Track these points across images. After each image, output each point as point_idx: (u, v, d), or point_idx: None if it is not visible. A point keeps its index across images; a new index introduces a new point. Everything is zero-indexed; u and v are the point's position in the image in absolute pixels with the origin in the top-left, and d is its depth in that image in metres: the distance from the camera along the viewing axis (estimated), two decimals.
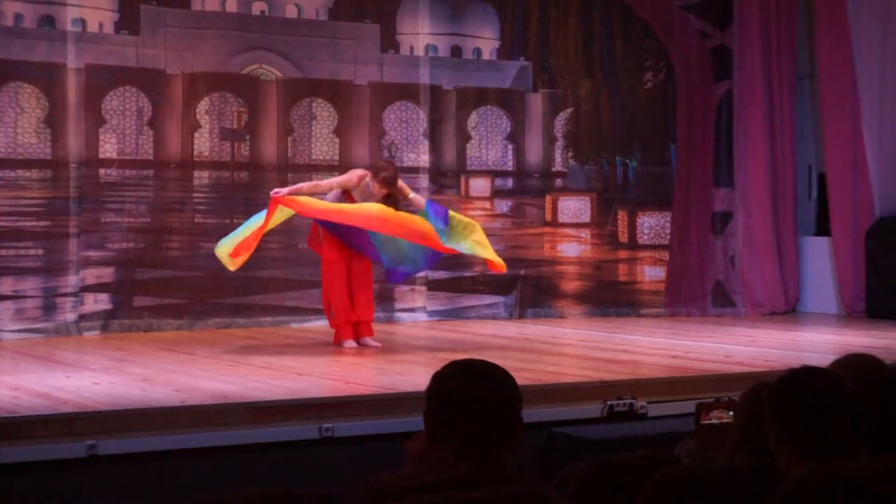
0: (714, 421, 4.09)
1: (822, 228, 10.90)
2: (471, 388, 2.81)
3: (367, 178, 7.75)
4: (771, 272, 10.73)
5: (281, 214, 7.75)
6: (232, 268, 7.67)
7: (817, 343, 8.82)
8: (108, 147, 9.10)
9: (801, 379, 2.97)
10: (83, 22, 8.99)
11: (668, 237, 10.78)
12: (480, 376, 2.85)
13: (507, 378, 2.89)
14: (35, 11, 8.89)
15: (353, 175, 7.86)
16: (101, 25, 9.09)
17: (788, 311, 10.77)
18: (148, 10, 9.19)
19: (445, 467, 2.76)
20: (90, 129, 9.00)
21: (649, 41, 10.77)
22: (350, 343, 7.81)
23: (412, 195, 7.93)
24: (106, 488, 5.08)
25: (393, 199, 7.65)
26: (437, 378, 2.87)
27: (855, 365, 3.61)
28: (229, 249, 7.61)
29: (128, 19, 9.15)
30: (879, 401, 3.11)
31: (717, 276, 10.76)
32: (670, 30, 10.67)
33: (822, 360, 4.24)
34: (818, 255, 10.83)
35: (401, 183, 7.82)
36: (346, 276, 7.83)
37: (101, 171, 9.08)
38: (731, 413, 3.90)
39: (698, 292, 10.66)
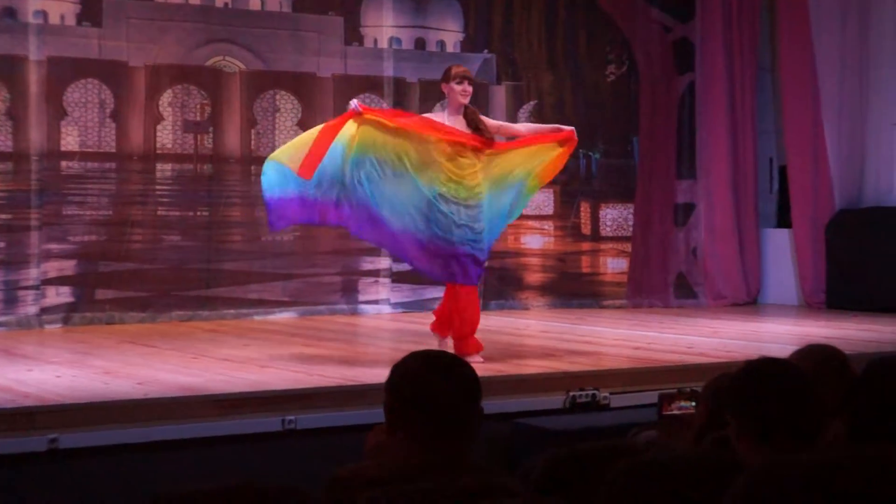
0: (676, 412, 4.21)
1: (783, 220, 10.99)
2: (430, 380, 2.82)
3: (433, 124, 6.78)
4: (732, 264, 10.80)
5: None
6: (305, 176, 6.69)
7: (778, 334, 8.89)
8: (70, 139, 9.04)
9: (760, 370, 2.98)
10: (44, 14, 8.92)
11: (631, 229, 10.84)
12: (440, 367, 2.86)
13: (467, 369, 2.89)
14: None
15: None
16: (62, 17, 9.02)
17: (749, 302, 10.84)
18: (110, 1, 9.10)
19: (406, 459, 2.77)
20: (52, 122, 8.92)
21: (612, 34, 10.81)
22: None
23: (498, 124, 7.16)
24: (67, 482, 5.04)
25: (474, 115, 6.85)
26: (397, 369, 2.88)
27: (815, 355, 3.66)
28: (295, 161, 6.63)
29: (90, 11, 9.07)
30: (839, 391, 3.15)
31: (679, 268, 10.83)
32: (633, 23, 10.72)
33: (783, 350, 4.28)
34: (779, 246, 10.91)
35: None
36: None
37: (63, 163, 9.00)
38: (694, 403, 3.94)
39: (661, 284, 10.72)
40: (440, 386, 2.81)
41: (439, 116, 6.96)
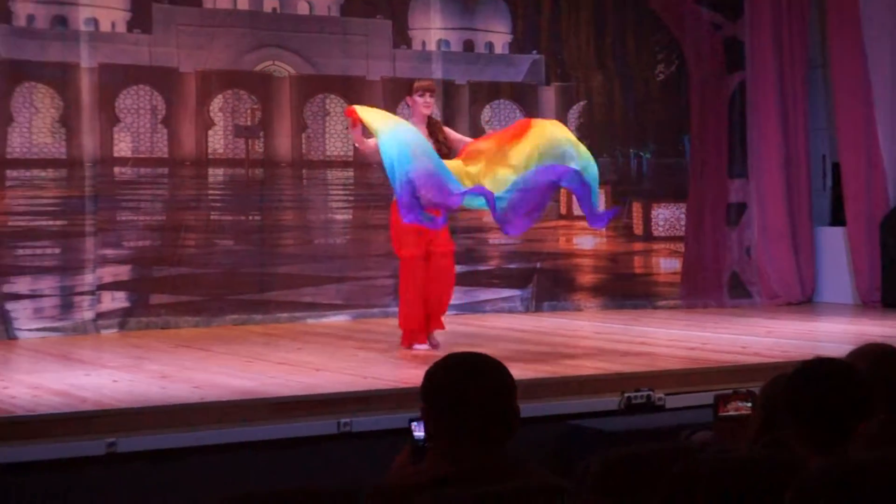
0: (732, 413, 4.10)
1: (837, 218, 10.86)
2: (465, 383, 2.77)
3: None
4: (786, 263, 10.70)
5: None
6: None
7: (834, 333, 8.81)
8: (123, 146, 9.11)
9: (816, 370, 2.96)
10: (95, 21, 9.00)
11: (683, 229, 10.76)
12: (473, 370, 2.82)
13: (501, 369, 2.85)
14: (48, 12, 8.88)
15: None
16: (113, 25, 9.09)
17: (804, 301, 10.72)
18: (160, 8, 9.18)
19: (449, 464, 2.73)
20: (104, 128, 9.00)
21: (661, 33, 10.74)
22: (422, 347, 7.40)
23: (465, 139, 7.52)
24: (125, 486, 5.09)
25: (435, 126, 7.33)
26: (431, 376, 2.85)
27: (871, 354, 3.61)
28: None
29: (140, 18, 9.14)
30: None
31: (732, 267, 10.74)
32: (682, 22, 10.64)
33: (839, 350, 4.23)
34: (833, 244, 10.78)
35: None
36: (423, 277, 7.33)
37: (116, 169, 9.07)
38: (750, 404, 3.90)
39: (714, 284, 10.64)
40: (476, 389, 2.76)
41: None
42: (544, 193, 7.07)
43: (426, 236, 7.29)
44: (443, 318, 7.60)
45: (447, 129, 7.53)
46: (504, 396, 2.78)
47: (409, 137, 6.80)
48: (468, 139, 7.60)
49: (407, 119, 7.41)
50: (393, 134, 6.78)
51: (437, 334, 7.58)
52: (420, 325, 7.42)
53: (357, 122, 7.02)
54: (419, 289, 7.33)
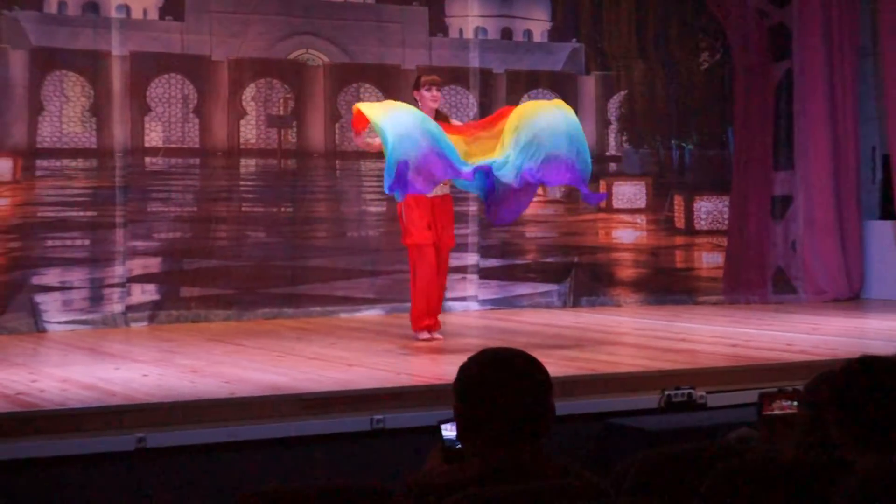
0: (778, 412, 4.00)
1: (887, 212, 10.66)
2: (498, 380, 2.75)
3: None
4: (833, 257, 10.51)
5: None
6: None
7: (882, 330, 8.62)
8: (154, 135, 9.08)
9: (863, 368, 2.87)
10: (127, 8, 8.95)
11: (727, 222, 10.62)
12: (507, 365, 2.79)
13: (535, 365, 2.81)
14: None
15: None
16: (145, 12, 9.05)
17: (852, 297, 10.56)
18: None
19: (483, 462, 2.70)
20: (135, 118, 8.97)
21: (705, 20, 10.59)
22: (424, 335, 7.59)
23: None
24: (155, 481, 5.07)
25: (443, 120, 7.45)
26: (463, 373, 2.82)
27: None
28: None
29: (172, 5, 9.10)
30: None
31: (777, 262, 10.60)
32: (727, 8, 10.47)
33: (887, 347, 4.12)
34: (882, 239, 10.62)
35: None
36: (435, 261, 7.50)
37: (147, 159, 9.06)
38: (796, 403, 3.78)
39: (758, 279, 10.48)
40: (509, 385, 2.74)
41: None
42: (529, 195, 7.35)
43: (435, 229, 7.47)
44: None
45: (454, 123, 7.65)
46: (538, 393, 2.77)
47: (408, 122, 6.87)
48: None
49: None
50: (393, 127, 6.83)
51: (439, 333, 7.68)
52: (429, 311, 7.57)
53: (360, 130, 7.20)
54: (433, 272, 7.48)
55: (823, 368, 3.39)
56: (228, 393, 5.71)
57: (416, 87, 7.58)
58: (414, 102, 7.45)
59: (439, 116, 7.48)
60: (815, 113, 10.49)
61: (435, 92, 7.52)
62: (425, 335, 7.56)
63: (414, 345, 7.55)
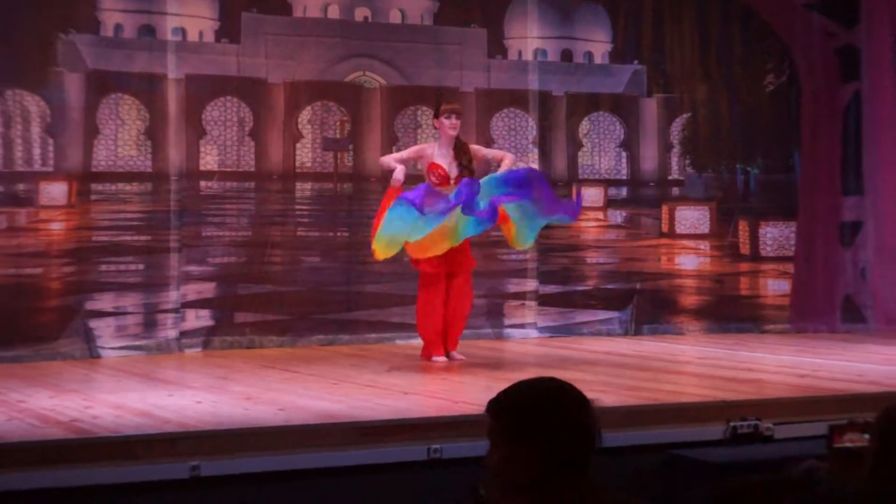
0: (848, 444, 3.95)
1: None
2: (534, 410, 2.69)
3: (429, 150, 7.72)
4: None
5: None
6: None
7: None
8: (209, 159, 9.11)
9: None
10: (183, 31, 8.97)
11: (793, 248, 10.43)
12: (554, 399, 2.70)
13: (581, 397, 2.68)
14: (135, 21, 8.89)
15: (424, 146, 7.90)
16: (201, 34, 9.07)
17: None
18: (249, 17, 9.15)
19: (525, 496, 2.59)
20: (190, 141, 8.98)
21: (771, 42, 10.44)
22: (440, 359, 7.72)
23: (491, 153, 7.94)
24: None
25: (462, 148, 7.62)
26: (494, 404, 2.76)
27: None
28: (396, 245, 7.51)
29: (228, 28, 9.12)
30: None
31: (846, 290, 10.37)
32: (793, 29, 10.32)
33: None
34: None
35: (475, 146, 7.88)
36: (442, 291, 7.69)
37: (202, 183, 9.08)
38: (867, 436, 3.63)
39: (826, 307, 10.28)
40: (549, 417, 2.65)
41: (431, 147, 7.79)
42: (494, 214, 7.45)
43: (449, 255, 7.57)
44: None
45: (474, 147, 7.85)
46: (579, 423, 2.67)
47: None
48: (489, 150, 8.10)
49: (434, 141, 7.84)
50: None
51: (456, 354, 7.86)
52: (438, 337, 7.74)
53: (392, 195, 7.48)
54: (435, 301, 7.68)
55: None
56: (283, 420, 5.67)
57: (436, 115, 7.71)
58: (434, 132, 7.50)
59: (458, 144, 7.64)
60: (884, 136, 10.30)
61: (455, 120, 7.64)
62: (442, 359, 7.72)
63: (471, 372, 7.47)
